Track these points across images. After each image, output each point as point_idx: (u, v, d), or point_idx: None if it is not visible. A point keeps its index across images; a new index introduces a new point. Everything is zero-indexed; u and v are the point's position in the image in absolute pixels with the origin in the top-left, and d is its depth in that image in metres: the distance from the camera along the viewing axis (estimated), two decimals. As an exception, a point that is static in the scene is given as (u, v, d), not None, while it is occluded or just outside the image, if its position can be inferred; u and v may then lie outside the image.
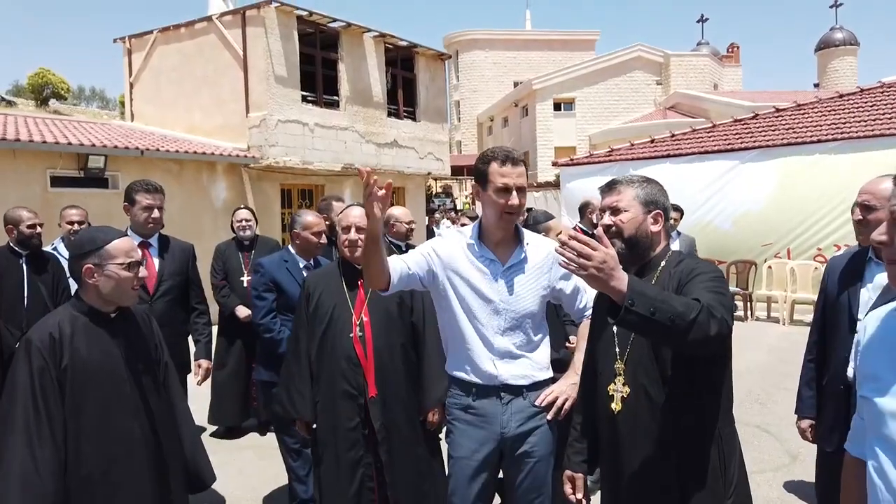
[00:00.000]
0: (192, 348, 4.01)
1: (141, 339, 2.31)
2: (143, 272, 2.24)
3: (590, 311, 2.54)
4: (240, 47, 12.25)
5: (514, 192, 2.27)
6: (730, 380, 1.95)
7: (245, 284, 5.16)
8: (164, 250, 3.79)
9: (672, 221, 4.58)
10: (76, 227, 4.58)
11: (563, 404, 2.37)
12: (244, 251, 5.30)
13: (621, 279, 1.61)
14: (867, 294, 2.62)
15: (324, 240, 3.82)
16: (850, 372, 2.61)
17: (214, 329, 5.80)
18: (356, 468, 2.72)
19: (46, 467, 1.95)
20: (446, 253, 2.38)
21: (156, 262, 3.72)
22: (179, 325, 3.81)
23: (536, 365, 2.40)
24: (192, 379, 3.86)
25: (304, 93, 12.84)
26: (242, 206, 5.60)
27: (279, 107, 12.25)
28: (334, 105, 13.51)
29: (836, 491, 2.78)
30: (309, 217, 3.80)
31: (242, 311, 5.12)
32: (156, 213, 3.67)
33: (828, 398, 2.77)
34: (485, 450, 2.36)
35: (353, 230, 2.84)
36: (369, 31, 13.92)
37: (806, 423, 2.90)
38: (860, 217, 2.61)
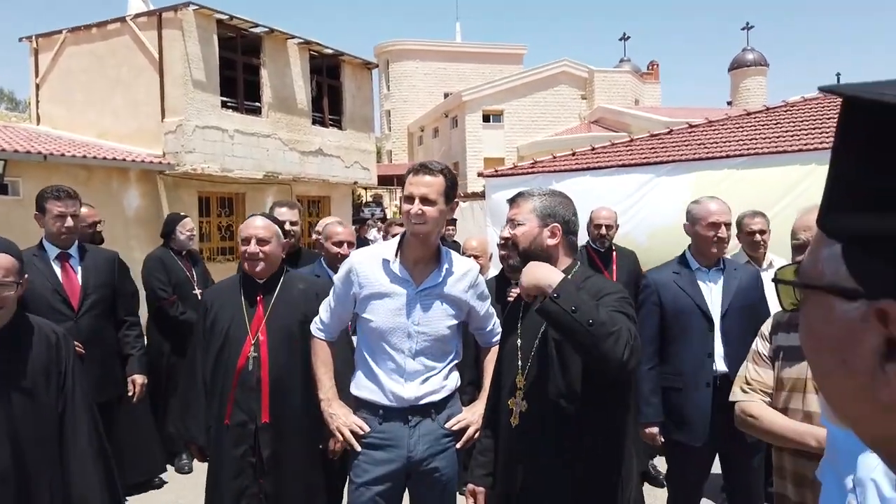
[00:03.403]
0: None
1: (25, 362, 2.08)
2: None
3: (498, 336, 2.55)
4: (155, 50, 11.79)
5: (416, 201, 2.20)
6: (632, 404, 1.97)
7: (200, 297, 4.86)
8: (87, 261, 3.50)
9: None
10: None
11: (473, 434, 2.36)
12: (184, 262, 4.91)
13: (555, 273, 1.76)
14: (710, 297, 2.96)
15: (345, 250, 3.50)
16: (718, 366, 2.91)
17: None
18: (240, 498, 2.56)
19: None
20: (364, 274, 2.31)
21: (79, 274, 3.43)
22: (111, 342, 3.54)
23: (446, 386, 2.36)
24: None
25: (224, 98, 12.47)
26: (184, 214, 5.22)
27: (197, 112, 11.84)
28: (256, 112, 13.18)
29: (688, 483, 3.03)
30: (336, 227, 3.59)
31: None
32: (69, 222, 3.39)
33: (691, 397, 2.95)
34: (390, 474, 2.29)
35: (253, 242, 2.65)
36: (293, 37, 13.68)
37: (656, 429, 3.05)
38: (724, 234, 2.95)
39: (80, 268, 3.47)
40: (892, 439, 0.49)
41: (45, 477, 2.11)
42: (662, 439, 3.05)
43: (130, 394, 3.60)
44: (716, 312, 2.93)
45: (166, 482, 4.51)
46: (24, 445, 2.05)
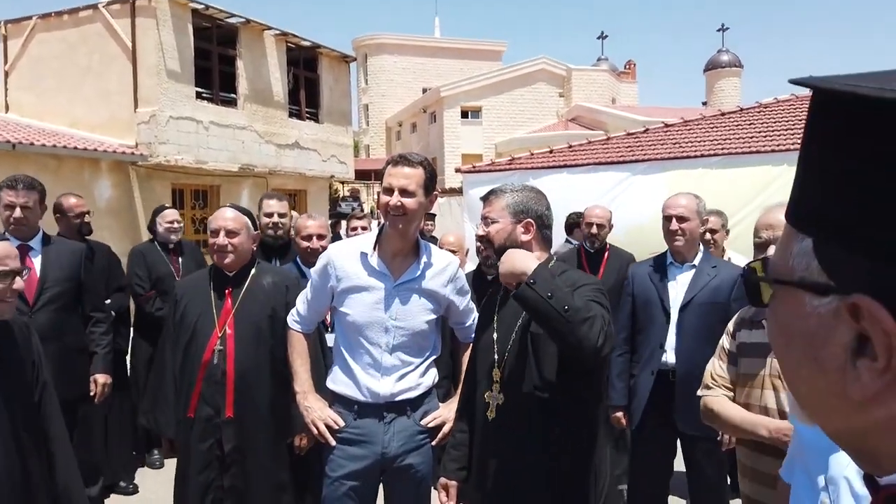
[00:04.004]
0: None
1: (15, 356, 2.05)
2: (18, 283, 1.98)
3: None
4: (128, 38, 11.58)
5: (396, 193, 2.17)
6: (603, 394, 1.99)
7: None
8: (49, 253, 3.34)
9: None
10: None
11: (449, 431, 2.32)
12: (170, 255, 4.68)
13: (531, 260, 1.77)
14: (674, 291, 3.05)
15: (315, 243, 3.37)
16: (665, 358, 3.00)
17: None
18: (206, 492, 2.54)
19: None
20: (342, 267, 2.29)
21: (38, 267, 3.27)
22: (71, 339, 3.34)
23: (422, 383, 2.35)
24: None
25: (199, 89, 12.30)
26: (167, 206, 5.04)
27: (171, 102, 11.66)
28: (231, 103, 13.02)
29: (643, 464, 3.10)
30: (307, 221, 3.44)
31: None
32: (17, 213, 3.22)
33: (639, 384, 3.09)
34: (364, 470, 2.28)
35: (221, 234, 2.61)
36: (270, 28, 13.53)
37: (620, 413, 3.19)
38: (677, 227, 3.01)
39: (39, 260, 3.31)
40: (861, 435, 0.49)
41: (39, 469, 2.08)
42: (625, 423, 3.17)
43: (92, 394, 3.44)
44: (675, 306, 3.01)
45: (136, 484, 4.36)
46: (24, 441, 2.01)
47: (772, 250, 1.82)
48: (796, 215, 0.51)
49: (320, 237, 3.40)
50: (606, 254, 4.45)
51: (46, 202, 3.49)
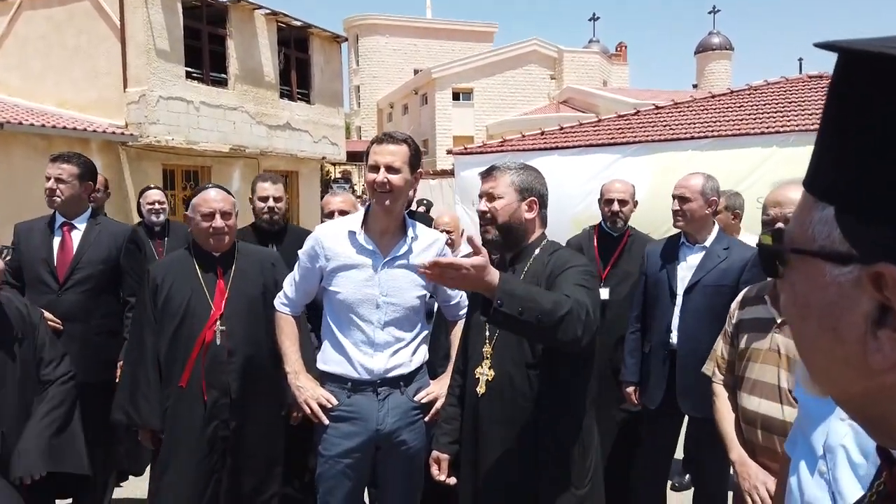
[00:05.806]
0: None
1: (7, 329, 2.07)
2: None
3: (465, 310, 2.52)
4: (117, 17, 11.45)
5: (382, 170, 2.19)
6: (594, 373, 2.01)
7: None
8: (90, 233, 3.23)
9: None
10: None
11: (442, 407, 2.34)
12: (155, 238, 4.53)
13: (491, 281, 1.63)
14: (682, 272, 3.00)
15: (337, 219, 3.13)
16: (672, 338, 2.98)
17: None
18: (209, 477, 2.49)
19: None
20: (330, 247, 2.31)
21: (75, 246, 3.19)
22: (100, 322, 3.23)
23: (414, 360, 2.37)
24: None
25: (189, 69, 12.20)
26: (152, 186, 4.88)
27: (161, 82, 11.57)
28: (222, 83, 12.93)
29: (655, 442, 3.08)
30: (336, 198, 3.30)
31: None
32: (50, 184, 3.13)
33: (652, 363, 3.07)
34: (358, 447, 2.30)
35: (218, 217, 2.55)
36: (260, 7, 13.40)
37: (631, 388, 3.19)
38: (677, 207, 2.97)
39: (78, 240, 3.22)
40: (878, 406, 0.48)
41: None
42: (636, 401, 3.15)
43: (118, 380, 3.26)
44: (681, 288, 2.98)
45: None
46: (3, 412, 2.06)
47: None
48: (815, 184, 0.49)
49: (342, 213, 3.23)
50: (626, 239, 3.70)
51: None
